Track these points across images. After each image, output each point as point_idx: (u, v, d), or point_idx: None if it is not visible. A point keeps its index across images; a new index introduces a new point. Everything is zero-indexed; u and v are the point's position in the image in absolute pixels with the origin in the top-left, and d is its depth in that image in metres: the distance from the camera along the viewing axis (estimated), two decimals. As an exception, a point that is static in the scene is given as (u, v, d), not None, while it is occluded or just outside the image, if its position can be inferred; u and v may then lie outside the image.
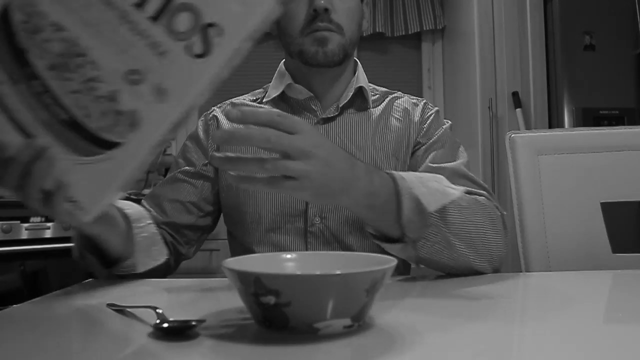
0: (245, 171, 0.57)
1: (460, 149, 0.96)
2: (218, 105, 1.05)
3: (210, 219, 0.98)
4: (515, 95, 2.33)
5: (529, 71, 2.33)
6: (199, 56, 0.44)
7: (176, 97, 0.46)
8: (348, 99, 0.96)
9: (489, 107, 2.38)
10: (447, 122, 1.00)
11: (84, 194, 0.50)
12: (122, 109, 0.46)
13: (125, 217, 0.77)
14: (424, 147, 0.96)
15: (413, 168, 0.94)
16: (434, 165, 0.90)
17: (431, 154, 0.93)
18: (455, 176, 0.86)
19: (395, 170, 0.92)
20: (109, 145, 0.47)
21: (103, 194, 0.51)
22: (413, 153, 0.96)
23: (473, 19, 2.43)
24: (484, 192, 0.84)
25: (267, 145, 0.55)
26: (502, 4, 2.37)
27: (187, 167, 0.97)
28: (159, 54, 0.44)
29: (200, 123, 1.02)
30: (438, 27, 2.97)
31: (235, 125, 0.56)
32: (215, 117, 1.00)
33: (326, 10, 0.87)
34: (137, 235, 0.79)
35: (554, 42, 2.29)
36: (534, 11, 2.33)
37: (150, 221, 0.85)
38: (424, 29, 2.97)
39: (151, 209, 0.93)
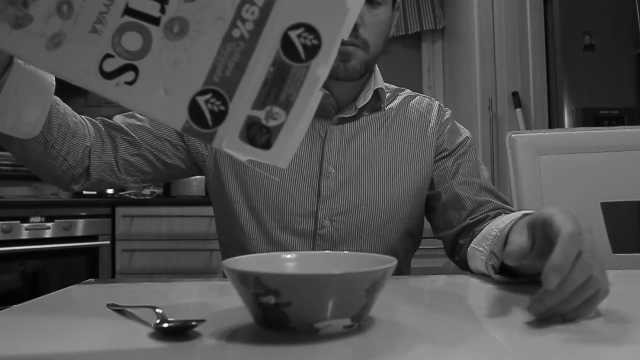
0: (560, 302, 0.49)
1: (479, 160, 1.00)
2: None
3: (162, 172, 0.94)
4: (515, 95, 2.33)
5: (529, 71, 2.34)
6: (103, 73, 0.40)
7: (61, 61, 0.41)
8: (367, 100, 0.95)
9: (489, 107, 2.38)
10: (467, 132, 1.02)
11: None
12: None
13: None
14: (452, 157, 0.97)
15: (443, 179, 0.95)
16: (466, 179, 0.94)
17: (460, 168, 0.95)
18: (483, 191, 0.93)
19: (413, 172, 0.94)
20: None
21: None
22: (439, 160, 0.97)
23: (473, 19, 2.44)
24: (507, 206, 0.91)
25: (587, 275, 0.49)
26: (502, 4, 2.37)
27: None
28: (99, 20, 0.40)
29: None
30: (438, 27, 2.98)
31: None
32: None
33: (354, 24, 0.85)
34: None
35: (554, 42, 2.30)
36: (534, 11, 2.33)
37: (48, 93, 0.69)
38: (424, 29, 2.97)
39: (119, 121, 0.90)
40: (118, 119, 0.92)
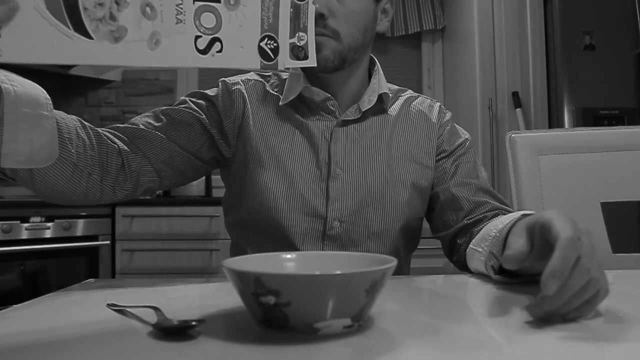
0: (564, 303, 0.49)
1: (478, 162, 1.00)
2: (240, 79, 0.99)
3: (201, 160, 0.93)
4: (515, 95, 2.33)
5: (529, 71, 2.34)
6: (199, 51, 0.51)
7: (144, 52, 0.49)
8: (372, 104, 0.94)
9: (489, 107, 2.38)
10: (466, 134, 1.02)
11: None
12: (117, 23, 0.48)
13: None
14: (450, 158, 0.97)
15: (441, 180, 0.96)
16: (464, 180, 0.94)
17: (459, 169, 0.96)
18: (480, 192, 0.93)
19: (418, 172, 0.94)
20: (86, 35, 0.47)
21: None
22: (438, 161, 0.97)
23: (473, 19, 2.44)
24: (505, 207, 0.91)
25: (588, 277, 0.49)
26: (502, 4, 2.37)
27: (195, 111, 0.92)
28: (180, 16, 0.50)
29: (221, 86, 0.97)
30: (438, 27, 2.98)
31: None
32: (241, 92, 0.96)
33: (322, 15, 0.84)
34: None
35: (554, 42, 2.30)
36: (534, 11, 2.33)
37: (49, 112, 0.66)
38: (424, 29, 2.97)
39: (142, 124, 0.88)
40: (137, 121, 0.89)
